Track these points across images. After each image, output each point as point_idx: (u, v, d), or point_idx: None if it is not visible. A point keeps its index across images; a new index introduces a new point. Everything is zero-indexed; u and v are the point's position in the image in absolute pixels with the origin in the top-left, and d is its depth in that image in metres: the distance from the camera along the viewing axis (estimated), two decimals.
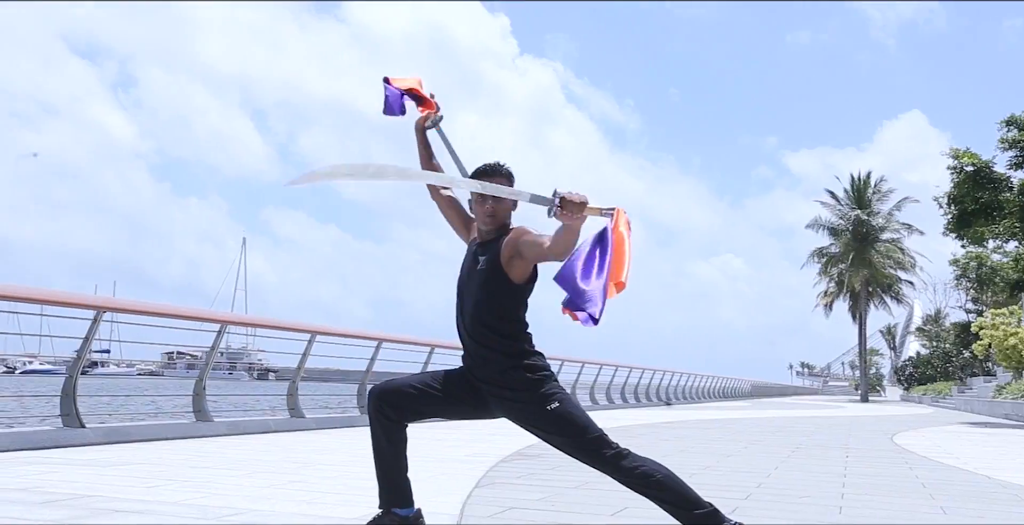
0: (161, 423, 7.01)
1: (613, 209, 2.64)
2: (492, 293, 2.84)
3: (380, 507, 2.85)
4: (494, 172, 2.96)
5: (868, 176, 46.06)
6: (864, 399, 44.88)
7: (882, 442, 9.46)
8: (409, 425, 2.91)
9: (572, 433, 2.79)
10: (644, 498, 2.82)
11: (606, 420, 12.43)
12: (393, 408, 2.84)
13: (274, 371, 49.41)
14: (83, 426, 5.95)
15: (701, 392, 29.50)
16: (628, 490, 2.81)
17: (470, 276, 2.95)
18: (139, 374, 45.92)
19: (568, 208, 2.42)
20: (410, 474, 2.93)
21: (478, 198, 2.90)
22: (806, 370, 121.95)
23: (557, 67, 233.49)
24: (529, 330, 2.94)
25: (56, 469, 4.59)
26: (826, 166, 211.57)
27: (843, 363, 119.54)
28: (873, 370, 76.43)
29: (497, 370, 2.83)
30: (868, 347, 56.58)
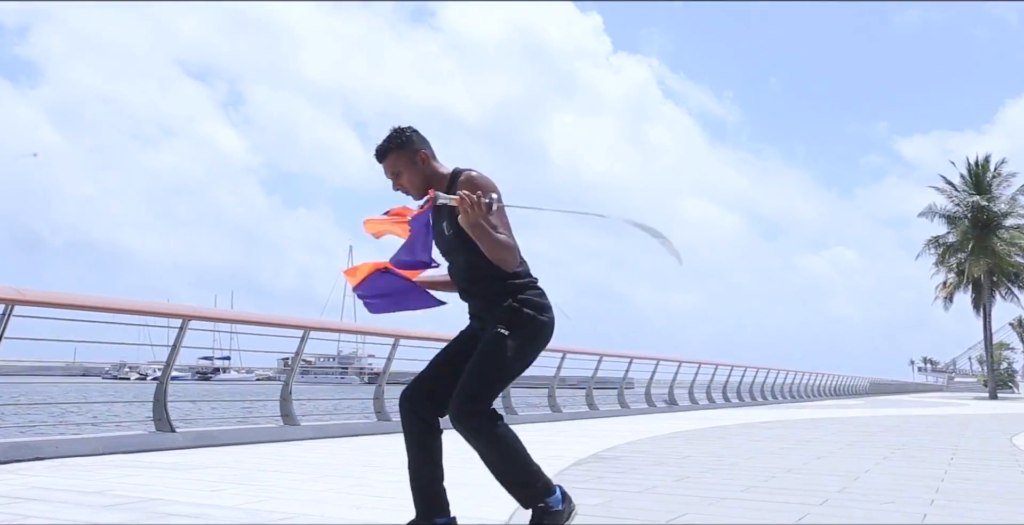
0: (249, 427, 7.25)
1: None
2: (474, 250, 2.64)
3: (417, 520, 2.70)
4: (380, 155, 2.80)
5: (987, 160, 43.38)
6: (992, 396, 42.22)
7: (998, 443, 8.80)
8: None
9: (480, 364, 2.63)
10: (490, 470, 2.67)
11: (699, 420, 12.15)
12: (426, 400, 2.70)
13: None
14: (173, 430, 6.18)
15: (814, 390, 28.50)
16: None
17: (448, 242, 2.79)
18: (258, 379, 47.83)
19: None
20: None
21: (390, 177, 2.81)
22: (929, 366, 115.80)
23: (652, 63, 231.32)
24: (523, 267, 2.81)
25: (137, 472, 4.74)
26: (943, 150, 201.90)
27: (970, 358, 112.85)
28: (1004, 365, 71.91)
29: (496, 305, 2.71)
30: (996, 341, 53.32)
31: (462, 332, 2.90)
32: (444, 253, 2.84)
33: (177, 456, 5.59)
